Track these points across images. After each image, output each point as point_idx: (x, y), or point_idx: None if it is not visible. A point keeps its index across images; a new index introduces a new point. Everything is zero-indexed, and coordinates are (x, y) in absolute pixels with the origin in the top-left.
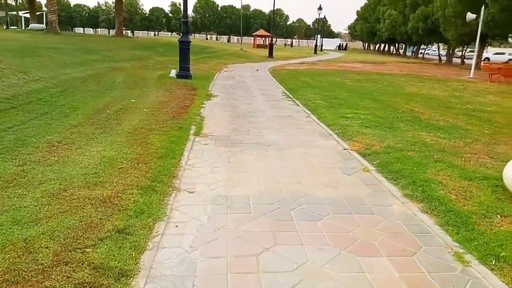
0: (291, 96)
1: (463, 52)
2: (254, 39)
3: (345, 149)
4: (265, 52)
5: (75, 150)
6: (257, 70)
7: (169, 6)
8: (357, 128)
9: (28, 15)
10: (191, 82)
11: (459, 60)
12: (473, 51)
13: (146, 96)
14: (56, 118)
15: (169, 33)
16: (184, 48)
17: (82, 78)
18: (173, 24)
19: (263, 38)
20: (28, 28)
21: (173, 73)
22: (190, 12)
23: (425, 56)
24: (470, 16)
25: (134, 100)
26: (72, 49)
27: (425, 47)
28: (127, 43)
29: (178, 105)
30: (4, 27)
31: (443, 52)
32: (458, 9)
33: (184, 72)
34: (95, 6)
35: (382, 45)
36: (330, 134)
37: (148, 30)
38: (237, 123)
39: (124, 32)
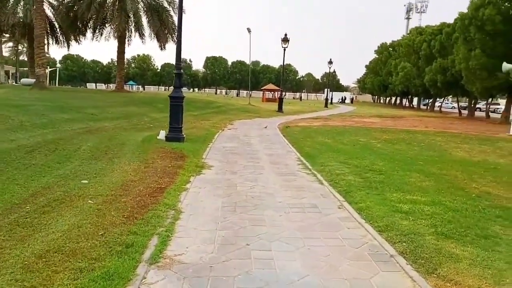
0: (310, 167)
1: (487, 106)
2: (263, 93)
3: None
4: (274, 106)
5: None
6: (266, 127)
7: None
8: (433, 241)
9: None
10: (182, 147)
11: (480, 114)
12: (496, 104)
13: (111, 172)
14: None
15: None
16: (176, 105)
17: (31, 146)
18: (185, 79)
19: (272, 92)
20: (19, 83)
21: (161, 135)
22: (201, 67)
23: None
24: (507, 66)
25: (86, 181)
26: (46, 107)
27: (442, 100)
28: (124, 98)
29: (149, 187)
30: (14, 82)
31: (455, 105)
32: (483, 61)
33: (174, 134)
34: (108, 62)
35: (394, 98)
36: (392, 256)
37: (160, 85)
38: (232, 225)
39: (135, 87)
